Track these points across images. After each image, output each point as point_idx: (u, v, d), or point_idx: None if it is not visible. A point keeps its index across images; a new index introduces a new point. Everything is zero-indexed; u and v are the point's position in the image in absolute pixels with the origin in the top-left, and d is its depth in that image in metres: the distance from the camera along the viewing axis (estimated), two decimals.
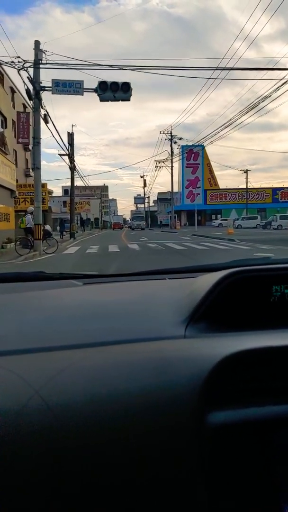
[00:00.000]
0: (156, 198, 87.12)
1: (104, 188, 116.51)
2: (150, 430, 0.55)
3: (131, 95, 14.13)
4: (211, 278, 0.83)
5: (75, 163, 28.12)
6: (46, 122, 15.52)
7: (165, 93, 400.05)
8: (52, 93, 14.06)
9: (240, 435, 0.57)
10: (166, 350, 0.67)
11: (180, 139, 54.55)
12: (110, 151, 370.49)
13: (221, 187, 64.88)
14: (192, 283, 0.96)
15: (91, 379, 0.60)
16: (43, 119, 15.14)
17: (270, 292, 0.80)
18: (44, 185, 27.89)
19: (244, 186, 62.12)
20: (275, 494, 0.57)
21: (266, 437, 0.58)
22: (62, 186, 75.92)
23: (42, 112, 15.36)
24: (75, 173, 28.37)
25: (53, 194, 68.07)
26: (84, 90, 14.34)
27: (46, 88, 14.39)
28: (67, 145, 26.81)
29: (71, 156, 27.40)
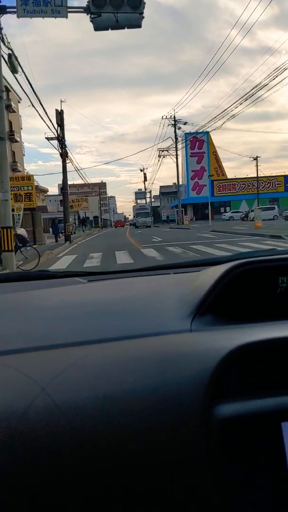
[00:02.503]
0: (157, 194, 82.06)
1: (102, 185, 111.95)
2: (156, 425, 0.54)
3: (142, 14, 8.92)
4: (216, 271, 0.82)
5: (66, 149, 22.85)
6: (14, 70, 10.17)
7: (160, 86, 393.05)
8: (18, 16, 8.95)
9: (248, 428, 0.57)
10: (172, 344, 0.68)
11: (185, 123, 49.37)
12: (106, 148, 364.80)
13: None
14: (197, 276, 0.95)
15: (97, 375, 0.60)
16: (5, 61, 9.76)
17: (276, 283, 0.80)
18: (30, 177, 22.76)
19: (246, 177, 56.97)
20: (285, 486, 0.56)
21: (274, 430, 0.58)
22: (58, 185, 70.36)
23: (5, 51, 10.05)
24: (67, 161, 23.06)
25: (49, 193, 63.87)
26: (70, 9, 9.18)
27: (8, 9, 9.22)
28: (55, 126, 21.67)
29: (61, 140, 22.15)
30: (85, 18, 9.18)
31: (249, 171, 77.91)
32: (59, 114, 21.96)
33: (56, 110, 22.06)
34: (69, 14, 9.26)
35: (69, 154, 23.44)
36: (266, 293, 0.80)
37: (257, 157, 58.02)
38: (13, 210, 22.55)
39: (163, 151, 52.72)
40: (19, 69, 10.54)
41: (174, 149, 51.43)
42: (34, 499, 0.51)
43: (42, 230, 24.32)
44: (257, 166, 57.80)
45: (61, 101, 23.90)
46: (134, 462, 0.53)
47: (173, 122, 49.77)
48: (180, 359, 0.62)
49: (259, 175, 57.00)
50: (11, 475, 0.51)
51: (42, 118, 18.63)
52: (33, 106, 14.50)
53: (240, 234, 19.76)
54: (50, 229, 27.57)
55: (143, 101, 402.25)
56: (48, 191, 63.36)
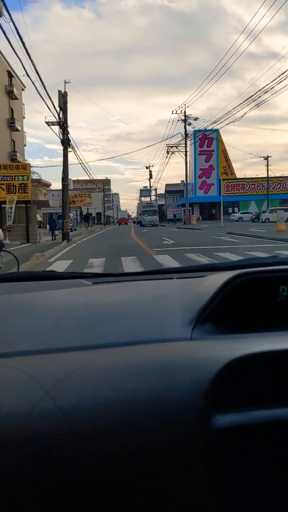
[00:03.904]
0: (162, 192, 79.27)
1: (107, 182, 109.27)
2: (156, 431, 0.55)
3: None
4: (218, 279, 0.83)
5: (69, 135, 20.07)
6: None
7: (167, 87, 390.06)
8: None
9: (245, 437, 0.58)
10: (173, 353, 0.69)
11: (196, 119, 46.61)
12: (112, 146, 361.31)
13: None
14: (199, 284, 0.96)
15: (99, 380, 0.61)
16: None
17: (277, 291, 0.81)
18: (26, 166, 20.04)
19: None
20: (281, 495, 0.57)
21: (271, 439, 0.58)
22: (62, 178, 67.81)
23: None
24: (69, 149, 20.24)
25: (52, 188, 61.20)
26: None
27: None
28: (57, 109, 18.89)
29: (63, 125, 19.40)
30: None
31: (252, 173, 75.39)
32: (62, 96, 19.20)
33: (59, 91, 19.34)
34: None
35: (71, 141, 20.67)
36: (267, 301, 0.81)
37: (267, 156, 55.46)
38: (4, 202, 20.24)
39: (171, 147, 49.90)
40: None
41: (183, 145, 48.72)
42: (36, 499, 0.51)
43: (37, 226, 21.65)
44: (267, 166, 55.23)
45: (65, 82, 20.57)
46: (133, 466, 0.54)
47: (183, 118, 47.03)
48: (180, 368, 0.63)
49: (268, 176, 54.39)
50: (14, 475, 0.52)
51: (41, 96, 15.77)
52: (28, 76, 11.81)
53: (264, 238, 17.14)
54: (48, 226, 25.01)
55: (150, 101, 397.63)
56: (50, 185, 60.75)
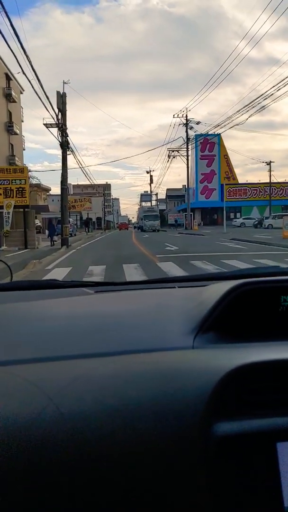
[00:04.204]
0: (162, 197, 78.69)
1: (107, 187, 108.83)
2: (157, 439, 0.56)
3: None
4: (220, 289, 0.84)
5: (68, 138, 19.36)
6: None
7: (167, 92, 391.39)
8: None
9: (245, 446, 0.59)
10: (175, 361, 0.70)
11: (198, 123, 46.14)
12: (112, 151, 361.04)
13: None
14: (200, 293, 0.97)
15: (102, 388, 0.62)
16: None
17: (278, 302, 0.82)
18: (23, 170, 19.40)
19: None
20: (281, 505, 0.58)
21: (270, 449, 0.59)
22: (61, 182, 67.27)
23: None
24: (68, 152, 19.50)
25: (52, 192, 60.59)
26: None
27: None
28: (56, 110, 18.23)
29: (61, 127, 18.74)
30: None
31: (253, 179, 74.79)
32: (61, 97, 18.50)
33: (58, 92, 18.62)
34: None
35: (71, 144, 19.98)
36: (269, 311, 0.82)
37: (270, 162, 55.01)
38: (1, 207, 19.59)
39: (173, 151, 49.38)
40: None
41: (184, 149, 48.22)
42: (40, 505, 0.52)
43: (36, 231, 20.94)
44: (270, 171, 54.80)
45: (63, 83, 19.87)
46: (134, 472, 0.54)
47: (184, 121, 46.53)
48: (182, 376, 0.64)
49: (270, 182, 53.79)
50: (19, 481, 0.52)
51: (39, 96, 15.04)
52: (24, 74, 11.17)
53: (270, 245, 16.47)
54: (46, 231, 24.26)
55: (150, 106, 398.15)
56: (50, 189, 60.20)
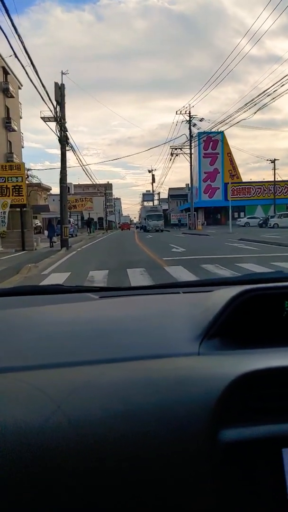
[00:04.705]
0: (164, 197, 77.51)
1: (108, 186, 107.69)
2: (164, 446, 0.57)
3: None
4: (225, 295, 0.85)
5: (67, 133, 18.24)
6: None
7: (167, 91, 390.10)
8: None
9: (251, 452, 0.59)
10: (181, 368, 0.70)
11: (201, 120, 44.96)
12: (113, 151, 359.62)
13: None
14: (205, 299, 0.97)
15: (108, 395, 0.63)
16: None
17: (282, 307, 0.83)
18: (20, 166, 18.29)
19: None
20: (284, 509, 0.58)
21: (275, 455, 0.60)
22: (60, 180, 65.96)
23: None
24: (67, 148, 18.34)
25: (52, 192, 59.46)
26: None
27: None
28: (54, 103, 17.05)
29: (60, 121, 17.61)
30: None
31: (255, 178, 73.50)
32: (59, 89, 17.35)
33: (56, 83, 17.45)
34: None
35: (70, 139, 18.83)
36: (273, 316, 0.82)
37: (274, 160, 53.84)
38: None
39: (176, 148, 48.21)
40: None
41: (187, 147, 47.08)
42: (47, 510, 0.53)
43: (35, 231, 19.83)
44: (274, 169, 53.56)
45: (62, 73, 18.41)
46: (140, 479, 0.55)
47: (187, 119, 45.40)
48: (188, 383, 0.64)
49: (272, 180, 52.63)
50: (27, 488, 0.53)
51: (34, 85, 13.81)
52: (16, 57, 10.07)
53: (281, 246, 15.38)
54: (45, 231, 23.17)
55: (151, 105, 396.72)
56: (51, 189, 59.13)
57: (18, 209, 18.05)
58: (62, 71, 17.56)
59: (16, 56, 10.97)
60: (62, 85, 17.74)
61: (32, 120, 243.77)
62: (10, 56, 11.42)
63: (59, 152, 18.45)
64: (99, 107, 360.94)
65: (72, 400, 0.61)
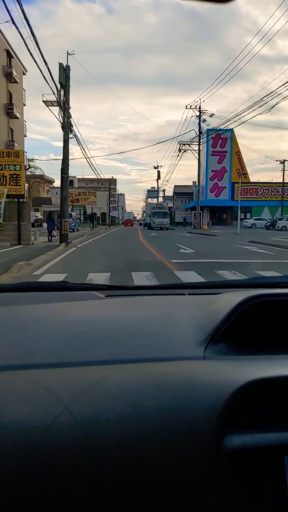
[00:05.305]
0: (169, 194, 76.10)
1: (113, 181, 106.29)
2: (169, 449, 0.57)
3: None
4: (231, 300, 0.85)
5: (71, 119, 16.83)
6: None
7: (176, 88, 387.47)
8: None
9: (255, 459, 0.60)
10: (186, 372, 0.71)
11: (212, 115, 43.57)
12: (119, 146, 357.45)
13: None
14: (212, 302, 0.98)
15: (114, 396, 0.63)
16: None
17: (287, 311, 0.84)
18: (19, 153, 16.90)
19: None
20: None
21: (278, 462, 0.60)
22: (62, 169, 64.43)
23: None
24: (70, 135, 16.91)
25: (55, 185, 58.11)
26: None
27: None
28: (57, 85, 15.66)
29: (63, 105, 16.27)
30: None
31: (261, 179, 72.02)
32: (64, 70, 15.91)
33: (60, 64, 15.96)
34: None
35: (74, 126, 17.43)
36: (279, 321, 0.82)
37: (284, 160, 52.44)
38: None
39: (184, 144, 46.80)
40: None
41: (196, 143, 45.71)
42: (53, 509, 0.54)
43: (37, 224, 18.48)
44: (283, 170, 52.20)
45: (67, 54, 16.57)
46: (145, 481, 0.56)
47: (196, 114, 43.98)
48: (194, 388, 0.64)
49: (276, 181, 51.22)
50: (33, 487, 0.54)
51: (36, 63, 12.36)
52: (14, 24, 8.74)
53: None
54: (44, 224, 21.82)
55: (159, 101, 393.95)
56: (54, 181, 57.77)
57: (15, 200, 16.72)
58: (67, 51, 16.09)
59: (14, 23, 9.63)
60: (67, 66, 16.30)
61: (37, 111, 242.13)
62: (7, 22, 10.08)
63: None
64: (105, 101, 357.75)
65: (80, 401, 0.61)
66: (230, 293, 0.96)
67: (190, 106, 44.38)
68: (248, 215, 50.64)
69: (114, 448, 0.56)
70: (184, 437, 0.58)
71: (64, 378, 0.69)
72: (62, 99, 16.03)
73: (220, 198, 52.35)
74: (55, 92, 15.39)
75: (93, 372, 0.70)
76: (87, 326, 0.96)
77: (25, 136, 37.43)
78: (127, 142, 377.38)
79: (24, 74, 36.60)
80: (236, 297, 0.84)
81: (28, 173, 50.12)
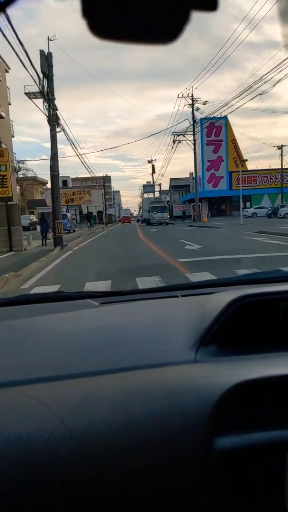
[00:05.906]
0: (165, 189, 74.78)
1: (107, 179, 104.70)
2: (162, 456, 0.59)
3: None
4: (222, 300, 0.86)
5: (57, 112, 15.43)
6: None
7: (165, 81, 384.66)
8: None
9: (247, 459, 0.61)
10: (178, 377, 0.72)
11: (205, 103, 42.17)
12: (111, 143, 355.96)
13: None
14: (203, 303, 0.99)
15: (110, 406, 0.64)
16: None
17: (278, 308, 0.85)
18: (3, 152, 15.58)
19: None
20: None
21: (273, 462, 0.61)
22: (60, 177, 62.91)
23: None
24: (58, 129, 15.48)
25: (49, 186, 56.84)
26: None
27: None
28: (40, 75, 14.29)
29: (47, 96, 14.88)
30: None
31: (255, 167, 70.55)
32: (45, 58, 14.49)
33: (41, 51, 14.51)
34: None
35: (61, 120, 16.03)
36: (268, 319, 0.84)
37: (281, 145, 51.12)
38: None
39: (178, 135, 45.43)
40: None
41: (190, 133, 44.33)
42: None
43: (29, 228, 17.20)
44: (282, 156, 50.89)
45: (48, 39, 15.15)
46: (139, 488, 0.57)
47: (189, 102, 42.59)
48: (185, 392, 0.66)
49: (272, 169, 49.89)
50: (31, 500, 0.55)
51: (10, 44, 10.89)
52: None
53: None
54: (38, 226, 20.53)
55: (149, 95, 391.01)
56: (47, 183, 56.36)
57: (3, 203, 15.39)
58: (48, 36, 14.56)
59: (11, 45, 8.21)
60: (49, 53, 14.86)
61: (28, 114, 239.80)
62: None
63: (61, 146, 15.72)
64: (94, 98, 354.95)
65: (76, 413, 0.62)
66: (222, 293, 0.97)
67: (182, 94, 43.00)
68: (248, 204, 49.34)
69: (108, 457, 0.57)
70: (175, 443, 0.59)
71: (61, 391, 0.70)
72: (46, 90, 14.64)
73: (218, 188, 51.04)
74: (37, 82, 14.00)
75: (87, 384, 0.71)
76: (80, 336, 0.97)
77: (13, 136, 35.90)
78: (119, 138, 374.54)
79: (7, 71, 35.02)
80: (227, 297, 0.85)
81: (20, 175, 48.81)
